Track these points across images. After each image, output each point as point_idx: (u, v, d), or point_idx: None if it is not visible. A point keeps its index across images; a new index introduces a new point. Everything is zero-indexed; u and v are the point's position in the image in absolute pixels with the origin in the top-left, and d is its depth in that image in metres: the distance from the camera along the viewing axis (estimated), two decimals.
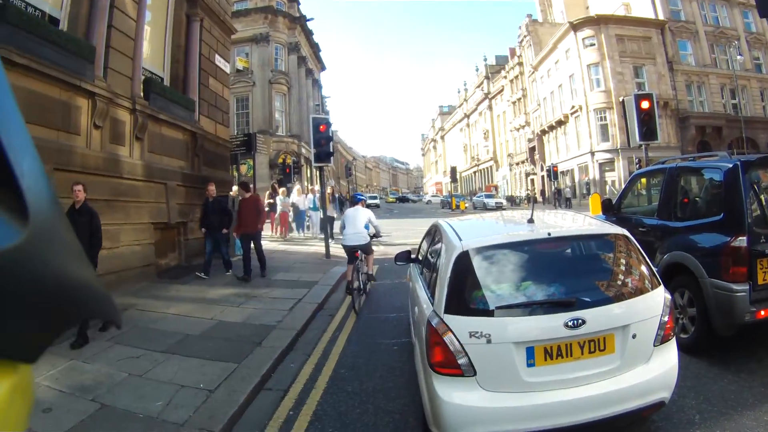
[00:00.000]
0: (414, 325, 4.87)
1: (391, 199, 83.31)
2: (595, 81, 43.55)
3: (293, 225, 20.47)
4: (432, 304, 3.83)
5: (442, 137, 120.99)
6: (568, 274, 3.96)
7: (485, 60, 79.36)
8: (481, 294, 3.60)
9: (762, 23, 42.78)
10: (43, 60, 7.92)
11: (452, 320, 3.45)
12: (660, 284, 3.81)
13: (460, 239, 3.88)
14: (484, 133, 79.66)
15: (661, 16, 43.28)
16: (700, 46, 43.89)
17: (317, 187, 17.12)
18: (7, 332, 0.74)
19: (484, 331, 3.32)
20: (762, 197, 5.64)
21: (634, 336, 3.44)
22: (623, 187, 8.87)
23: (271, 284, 10.57)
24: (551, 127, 52.12)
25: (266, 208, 20.85)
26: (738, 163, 5.53)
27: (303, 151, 44.95)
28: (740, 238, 5.19)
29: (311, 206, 20.10)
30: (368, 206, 10.96)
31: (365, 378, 5.67)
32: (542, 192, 52.38)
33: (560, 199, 42.80)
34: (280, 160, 38.78)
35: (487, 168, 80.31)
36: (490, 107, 76.55)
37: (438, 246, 4.55)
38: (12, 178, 0.72)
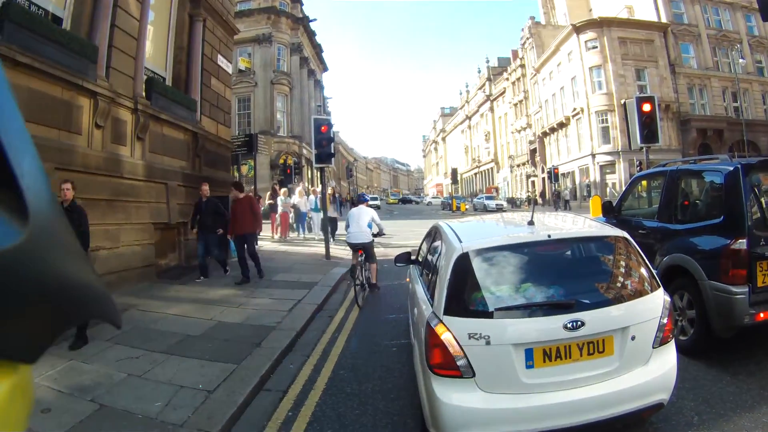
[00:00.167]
0: (413, 326, 4.88)
1: (392, 200, 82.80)
2: (596, 83, 43.59)
3: (294, 226, 20.47)
4: (431, 306, 3.83)
5: (444, 139, 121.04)
6: (567, 276, 3.96)
7: (487, 62, 79.53)
8: (481, 295, 3.60)
9: (765, 27, 42.83)
10: (45, 59, 7.93)
11: (451, 322, 3.44)
12: (659, 286, 3.80)
13: (460, 241, 3.88)
14: (486, 135, 79.69)
15: (663, 19, 43.33)
16: (702, 49, 43.92)
17: (319, 189, 17.11)
18: (7, 332, 0.74)
19: (484, 333, 3.32)
20: (762, 200, 5.65)
21: (633, 338, 3.44)
22: (624, 189, 8.87)
23: (270, 285, 10.57)
24: (552, 129, 52.18)
25: (266, 209, 20.98)
26: (739, 166, 5.53)
27: (304, 151, 44.99)
28: (740, 240, 5.20)
29: (313, 207, 20.10)
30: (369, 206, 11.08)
31: (364, 379, 5.67)
32: (542, 194, 52.39)
33: (559, 202, 42.76)
34: (281, 161, 38.73)
35: (487, 170, 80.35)
36: (491, 109, 76.61)
37: (438, 247, 4.55)
38: (12, 178, 0.73)
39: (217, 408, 4.72)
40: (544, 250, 4.00)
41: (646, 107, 12.46)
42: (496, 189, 69.55)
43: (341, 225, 18.62)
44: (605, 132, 43.06)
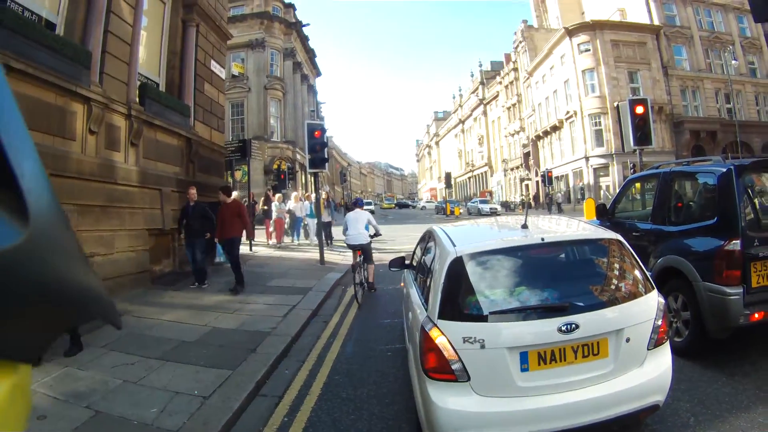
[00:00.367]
0: (408, 330, 4.87)
1: (386, 205, 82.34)
2: (590, 86, 43.81)
3: (289, 231, 20.45)
4: (426, 310, 3.83)
5: (437, 143, 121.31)
6: (561, 279, 3.97)
7: (480, 65, 79.85)
8: (475, 299, 3.61)
9: (757, 28, 43.18)
10: (39, 65, 7.89)
11: (446, 326, 3.45)
12: (653, 288, 3.82)
13: (454, 245, 3.89)
14: (479, 139, 79.90)
15: (656, 22, 43.59)
16: (695, 51, 44.18)
17: (313, 195, 17.12)
18: (7, 332, 0.74)
19: (478, 337, 3.33)
20: (755, 201, 5.68)
21: (627, 340, 3.45)
22: (617, 191, 8.90)
23: (265, 290, 10.56)
24: (546, 133, 52.39)
25: (260, 215, 20.97)
26: (732, 167, 5.56)
27: (298, 157, 44.92)
28: (734, 241, 5.22)
29: (308, 213, 20.09)
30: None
31: (359, 384, 5.66)
32: (536, 197, 52.51)
33: (551, 205, 42.85)
34: (275, 166, 38.77)
35: (481, 173, 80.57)
36: (485, 113, 76.84)
37: (432, 252, 4.56)
38: (12, 179, 0.73)
39: (213, 414, 4.71)
40: (538, 254, 4.01)
41: (639, 110, 12.53)
42: (490, 193, 69.73)
43: (336, 230, 18.68)
44: (598, 135, 43.26)
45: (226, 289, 10.39)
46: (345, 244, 11.17)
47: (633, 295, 3.68)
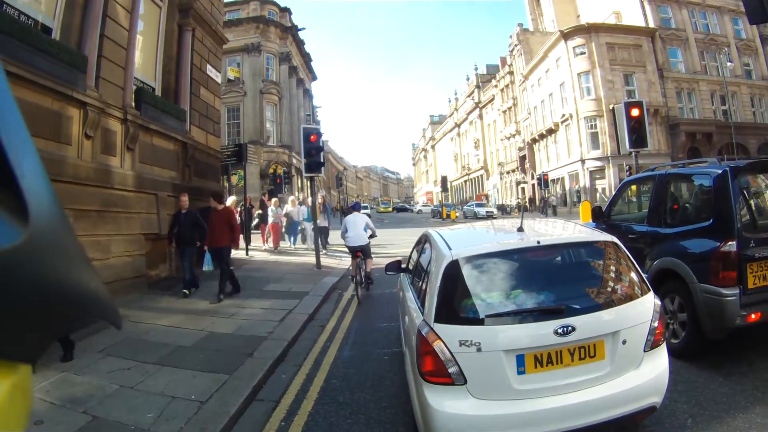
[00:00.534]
0: (404, 334, 4.87)
1: (383, 209, 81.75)
2: (585, 89, 43.86)
3: (285, 236, 20.42)
4: (422, 314, 3.84)
5: (433, 147, 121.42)
6: (557, 282, 3.98)
7: (476, 69, 79.83)
8: (471, 303, 3.61)
9: (752, 30, 43.36)
10: (35, 69, 7.87)
11: (442, 329, 3.45)
12: (650, 290, 3.82)
13: (450, 248, 3.90)
14: (475, 142, 79.97)
15: (651, 24, 43.71)
16: (690, 54, 44.32)
17: (310, 199, 17.12)
18: (7, 332, 0.74)
19: (475, 340, 3.33)
20: (751, 202, 5.70)
21: (624, 342, 3.45)
22: (613, 194, 8.91)
23: (261, 295, 10.55)
24: (542, 136, 52.42)
25: (256, 219, 20.93)
26: (727, 168, 5.57)
27: (294, 161, 44.98)
28: (730, 243, 5.23)
29: (305, 217, 20.05)
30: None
31: (356, 388, 5.66)
32: (531, 200, 52.55)
33: (545, 208, 42.85)
34: (271, 171, 38.77)
35: (477, 177, 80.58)
36: (480, 116, 76.94)
37: (428, 255, 4.56)
38: (12, 179, 0.73)
39: (210, 418, 4.70)
40: (534, 257, 4.01)
41: (635, 112, 12.54)
42: (486, 196, 69.68)
43: (333, 234, 18.69)
44: (594, 137, 43.31)
45: (216, 299, 9.97)
46: (342, 248, 11.62)
47: (629, 297, 3.69)
